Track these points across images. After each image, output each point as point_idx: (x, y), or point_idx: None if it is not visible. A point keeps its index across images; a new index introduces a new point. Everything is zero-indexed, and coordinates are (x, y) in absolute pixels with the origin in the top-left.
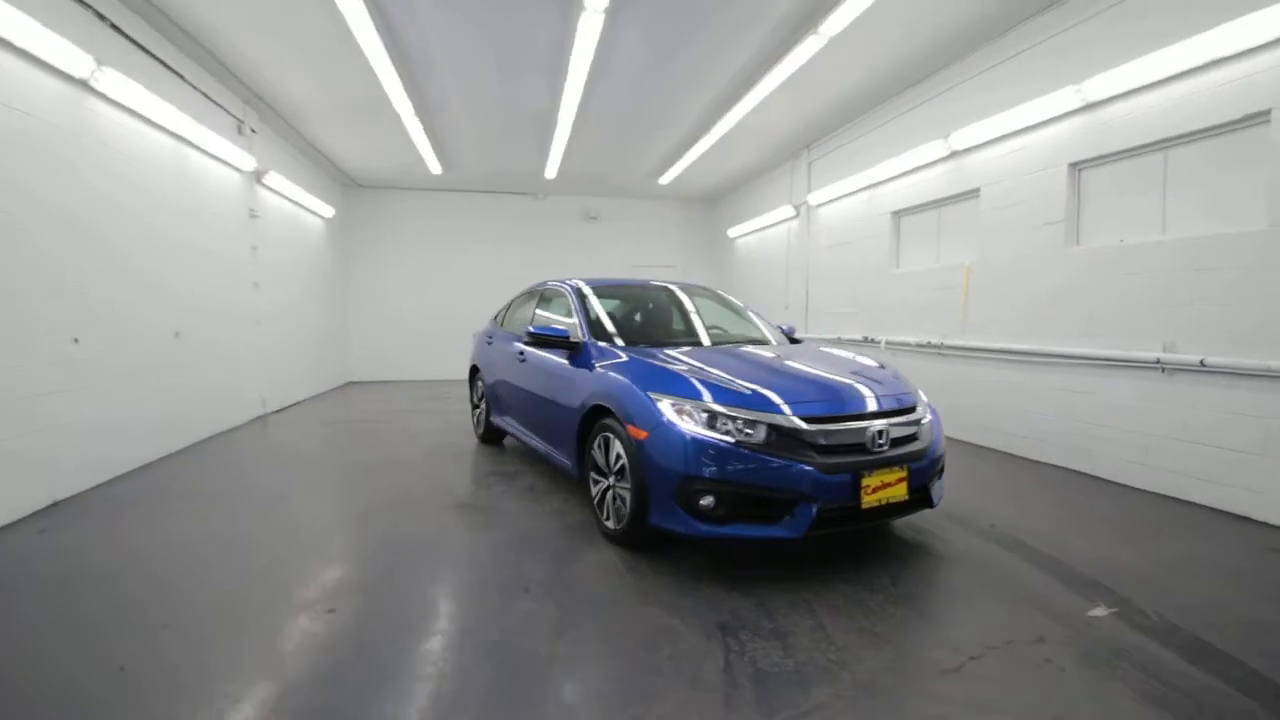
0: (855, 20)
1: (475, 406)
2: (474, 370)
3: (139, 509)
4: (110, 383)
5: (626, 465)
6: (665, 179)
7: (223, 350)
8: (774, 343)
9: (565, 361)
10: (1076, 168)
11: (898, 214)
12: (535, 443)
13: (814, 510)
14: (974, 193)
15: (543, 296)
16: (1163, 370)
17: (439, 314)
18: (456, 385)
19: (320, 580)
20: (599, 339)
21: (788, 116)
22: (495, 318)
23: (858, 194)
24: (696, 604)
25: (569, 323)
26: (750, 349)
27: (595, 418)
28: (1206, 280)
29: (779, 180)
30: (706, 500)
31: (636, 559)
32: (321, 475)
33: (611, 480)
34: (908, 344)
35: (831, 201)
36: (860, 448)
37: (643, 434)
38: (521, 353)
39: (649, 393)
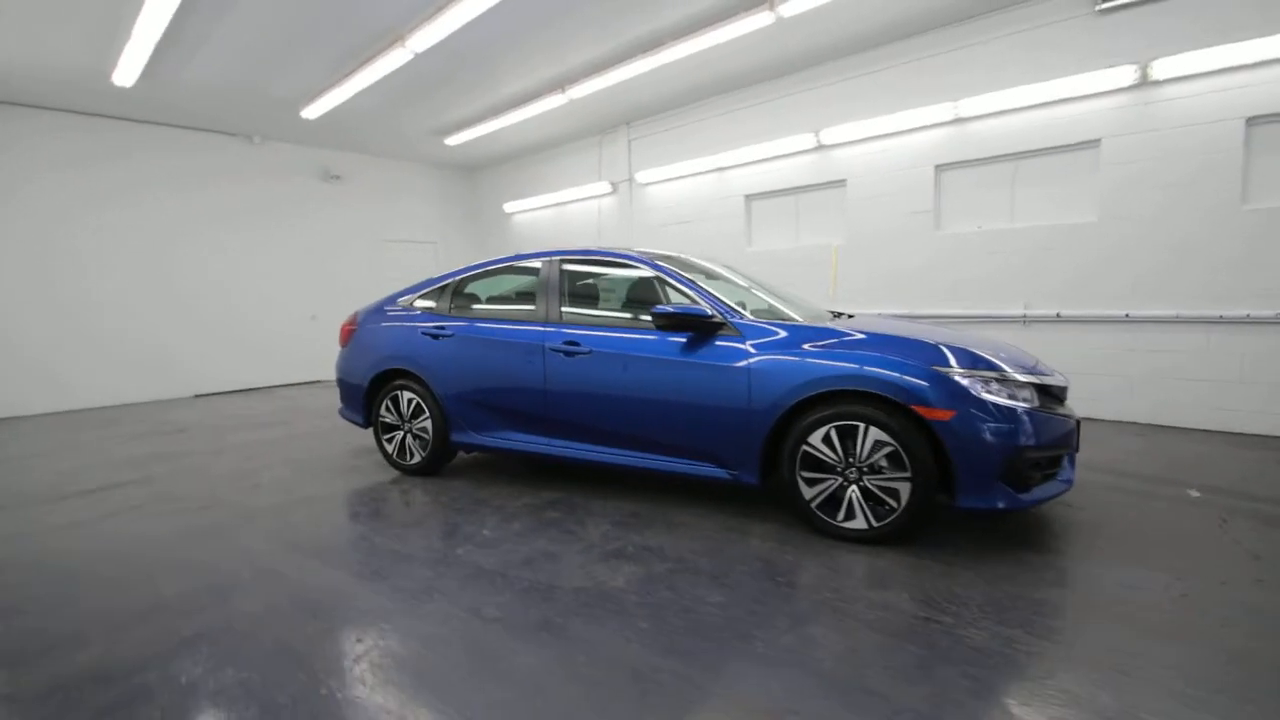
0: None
1: (391, 429)
2: (387, 378)
3: None
4: None
5: (901, 453)
6: (456, 139)
7: None
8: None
9: (678, 351)
10: (940, 168)
11: (751, 197)
12: (606, 457)
13: (1074, 458)
14: (840, 182)
15: (556, 276)
16: (1025, 323)
17: (94, 307)
18: (173, 408)
19: None
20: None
21: (619, 94)
22: (416, 306)
23: (704, 175)
24: (1083, 575)
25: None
26: (888, 319)
27: (807, 410)
28: (1052, 257)
29: (584, 154)
30: (1032, 470)
31: (918, 552)
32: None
33: (853, 475)
34: None
35: (667, 181)
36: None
37: (946, 413)
38: (572, 345)
39: (935, 367)
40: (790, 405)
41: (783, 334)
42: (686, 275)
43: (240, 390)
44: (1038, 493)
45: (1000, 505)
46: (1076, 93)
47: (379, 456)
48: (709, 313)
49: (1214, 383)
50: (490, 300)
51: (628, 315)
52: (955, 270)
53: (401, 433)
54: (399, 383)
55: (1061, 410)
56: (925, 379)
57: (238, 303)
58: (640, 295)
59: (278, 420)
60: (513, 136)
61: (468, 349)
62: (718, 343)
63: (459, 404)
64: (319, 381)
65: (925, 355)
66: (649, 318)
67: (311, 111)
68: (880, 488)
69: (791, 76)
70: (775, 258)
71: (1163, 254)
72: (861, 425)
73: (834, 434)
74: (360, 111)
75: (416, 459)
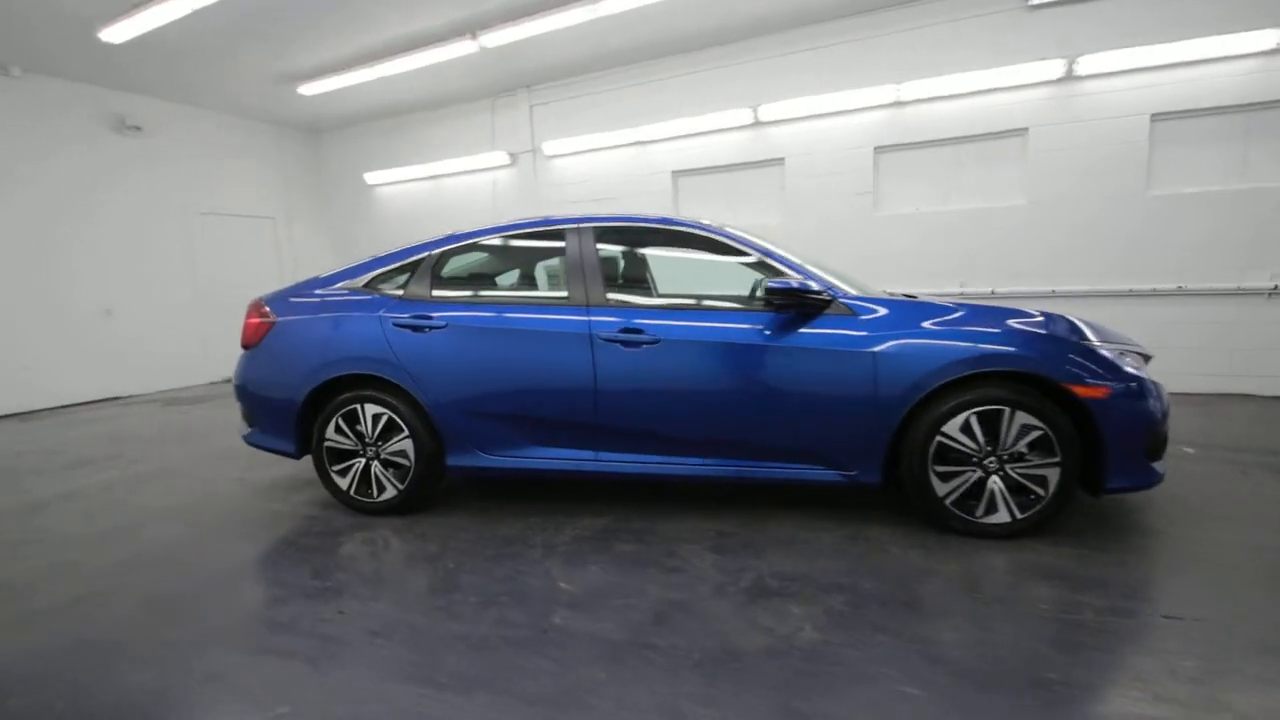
0: None
1: (345, 456)
2: (337, 388)
3: None
4: None
5: (1051, 436)
6: (314, 88)
7: None
8: None
9: (777, 336)
10: (880, 150)
11: (679, 173)
12: (684, 469)
13: None
14: (778, 161)
15: (590, 249)
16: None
17: None
18: None
19: None
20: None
21: (525, 51)
22: (373, 290)
23: (624, 149)
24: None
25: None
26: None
27: (940, 397)
28: (986, 238)
29: (471, 119)
30: (1164, 443)
31: (1063, 542)
32: None
33: (993, 465)
34: None
35: (580, 153)
36: None
37: (1101, 391)
38: (633, 333)
39: (1081, 342)
40: (928, 392)
41: (887, 311)
42: (773, 247)
43: (5, 416)
44: (1162, 466)
45: (1145, 483)
46: (1008, 83)
47: (313, 494)
48: (817, 289)
49: None
50: (488, 281)
51: (696, 295)
52: (894, 251)
53: (363, 460)
54: (356, 393)
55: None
56: (1077, 355)
57: None
58: (698, 271)
59: (101, 454)
60: (383, 91)
61: (471, 344)
62: (828, 324)
63: (459, 416)
64: (124, 398)
65: (1064, 330)
66: (715, 297)
67: (116, 33)
68: (1026, 476)
69: (729, 46)
70: None
71: (1082, 234)
72: (1006, 410)
73: (974, 421)
74: (189, 39)
75: (389, 493)
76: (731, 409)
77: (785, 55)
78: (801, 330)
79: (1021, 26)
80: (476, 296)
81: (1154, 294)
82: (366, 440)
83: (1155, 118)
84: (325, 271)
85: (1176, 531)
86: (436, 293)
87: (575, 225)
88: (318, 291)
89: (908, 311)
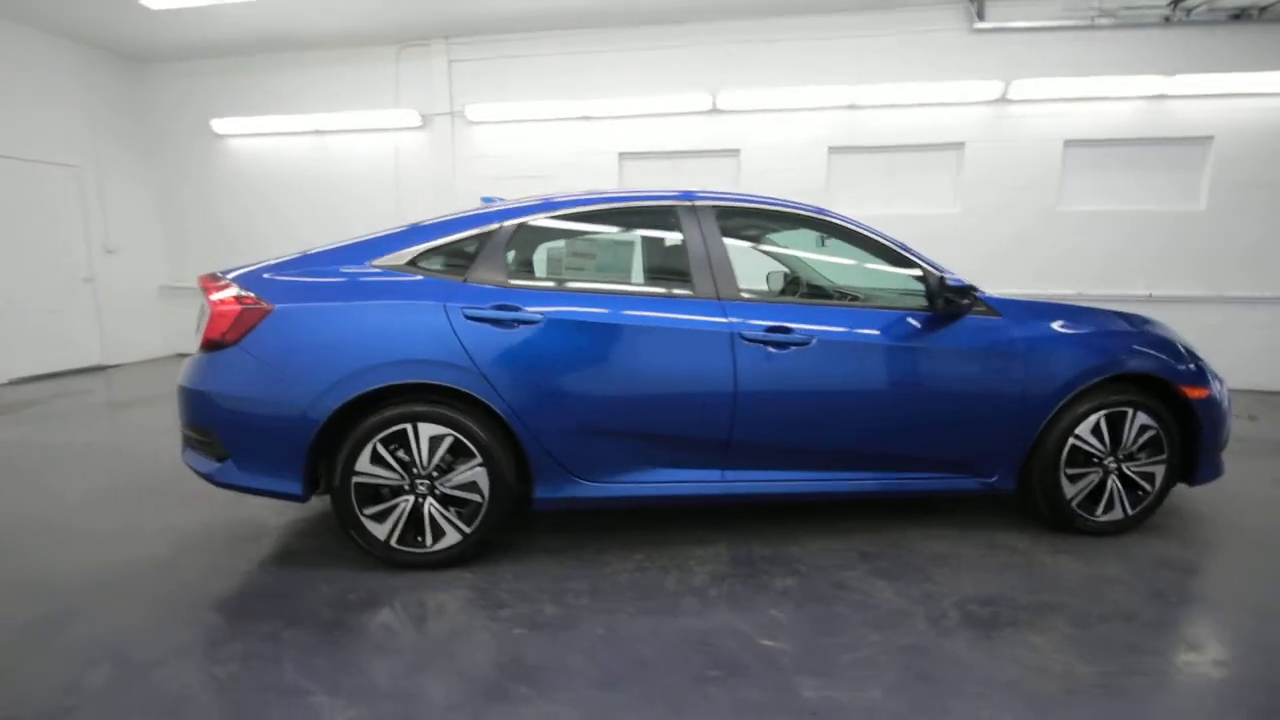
0: None
1: (385, 495)
2: (373, 402)
3: None
4: None
5: (1162, 435)
6: (161, 0)
7: None
8: None
9: (932, 336)
10: (833, 151)
11: (626, 156)
12: (825, 485)
13: None
14: (734, 152)
15: (714, 233)
16: None
17: None
18: None
19: None
20: None
21: None
22: (421, 268)
23: (566, 123)
24: None
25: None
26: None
27: (1083, 397)
28: (923, 242)
29: (369, 67)
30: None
31: (1163, 535)
32: None
33: (1112, 465)
34: None
35: (512, 122)
36: None
37: (1204, 391)
38: (780, 332)
39: (1181, 346)
40: (1071, 395)
41: (1014, 312)
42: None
43: None
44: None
45: (1218, 474)
46: (951, 99)
47: (291, 544)
48: (974, 288)
49: None
50: (575, 263)
51: (837, 290)
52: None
53: (413, 499)
54: (404, 409)
55: None
56: (1185, 359)
57: None
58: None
59: None
60: (254, 16)
61: (581, 344)
62: (977, 324)
63: (557, 436)
64: None
65: (1170, 334)
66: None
67: None
68: (1139, 474)
69: (690, 25)
70: None
71: (1006, 243)
72: (1129, 411)
73: (1103, 423)
74: None
75: (449, 540)
76: (894, 417)
77: (745, 43)
78: (953, 330)
79: (966, 47)
80: (565, 285)
81: (1058, 298)
82: (417, 471)
83: (1068, 143)
84: (328, 243)
85: (1222, 516)
86: (517, 280)
87: (684, 200)
88: (332, 269)
89: (1033, 312)
